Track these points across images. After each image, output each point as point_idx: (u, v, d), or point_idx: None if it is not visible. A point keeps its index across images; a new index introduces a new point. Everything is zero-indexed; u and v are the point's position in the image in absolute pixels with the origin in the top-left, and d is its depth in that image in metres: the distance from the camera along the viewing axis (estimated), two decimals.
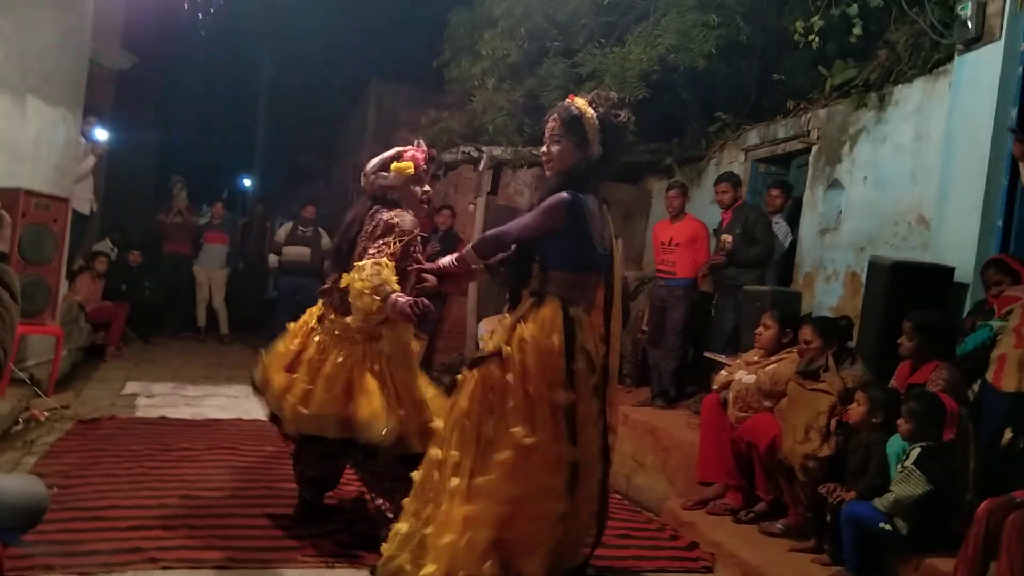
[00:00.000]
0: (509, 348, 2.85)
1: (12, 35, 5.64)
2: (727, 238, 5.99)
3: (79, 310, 7.62)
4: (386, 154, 3.66)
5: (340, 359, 3.35)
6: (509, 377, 2.83)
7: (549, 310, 2.89)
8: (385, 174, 3.57)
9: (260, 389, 3.56)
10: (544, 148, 3.05)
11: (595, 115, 2.92)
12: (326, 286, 3.55)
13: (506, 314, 3.02)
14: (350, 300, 3.21)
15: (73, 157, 6.78)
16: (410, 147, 3.67)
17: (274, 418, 3.54)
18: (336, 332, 3.41)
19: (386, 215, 3.40)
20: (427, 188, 3.66)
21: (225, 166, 19.97)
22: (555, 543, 2.85)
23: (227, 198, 17.23)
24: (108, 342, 8.01)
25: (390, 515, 3.22)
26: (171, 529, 3.45)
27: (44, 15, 5.94)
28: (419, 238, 3.49)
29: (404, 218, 3.40)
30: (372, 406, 3.24)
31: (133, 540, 3.27)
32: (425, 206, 3.71)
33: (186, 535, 3.40)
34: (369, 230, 3.42)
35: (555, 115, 3.02)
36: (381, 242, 3.29)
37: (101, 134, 7.68)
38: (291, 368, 3.46)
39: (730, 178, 6.26)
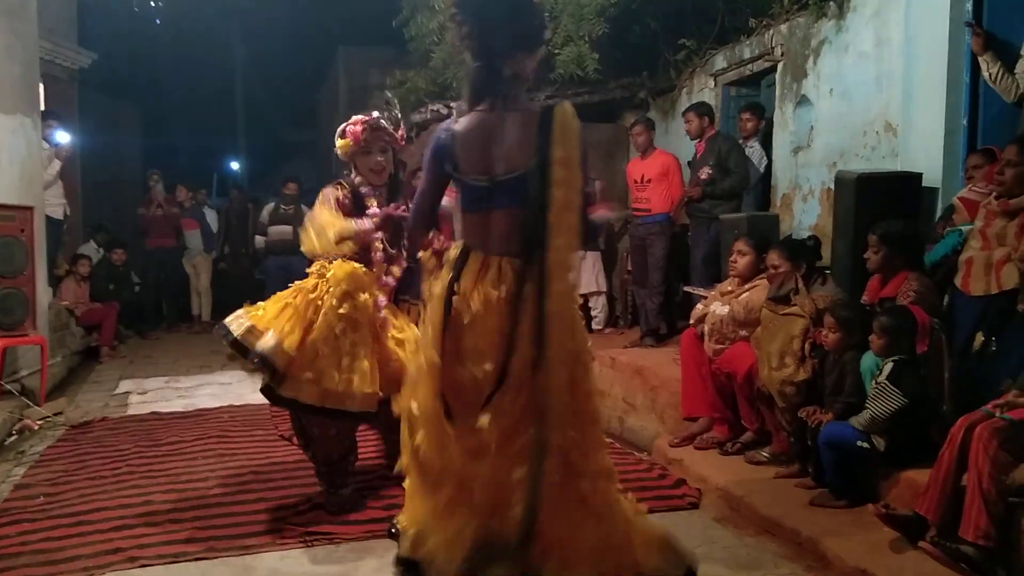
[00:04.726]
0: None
1: None
2: (705, 170, 5.86)
3: (68, 315, 7.62)
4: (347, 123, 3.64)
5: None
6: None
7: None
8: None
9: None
10: None
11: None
12: None
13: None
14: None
15: (39, 163, 6.71)
16: (352, 120, 3.59)
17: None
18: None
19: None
20: (378, 159, 3.54)
21: (211, 152, 19.82)
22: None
23: (216, 184, 17.18)
24: (102, 343, 8.03)
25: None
26: (154, 526, 3.46)
27: None
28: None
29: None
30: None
31: (114, 541, 3.28)
32: (379, 175, 3.58)
33: (167, 530, 3.40)
34: None
35: None
36: None
37: (63, 136, 7.59)
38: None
39: (697, 108, 6.12)
